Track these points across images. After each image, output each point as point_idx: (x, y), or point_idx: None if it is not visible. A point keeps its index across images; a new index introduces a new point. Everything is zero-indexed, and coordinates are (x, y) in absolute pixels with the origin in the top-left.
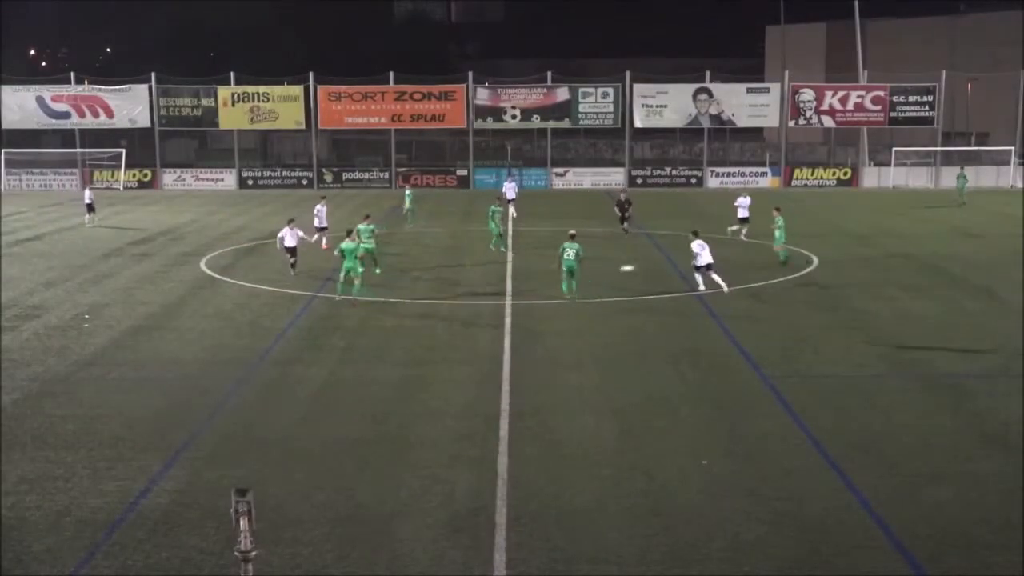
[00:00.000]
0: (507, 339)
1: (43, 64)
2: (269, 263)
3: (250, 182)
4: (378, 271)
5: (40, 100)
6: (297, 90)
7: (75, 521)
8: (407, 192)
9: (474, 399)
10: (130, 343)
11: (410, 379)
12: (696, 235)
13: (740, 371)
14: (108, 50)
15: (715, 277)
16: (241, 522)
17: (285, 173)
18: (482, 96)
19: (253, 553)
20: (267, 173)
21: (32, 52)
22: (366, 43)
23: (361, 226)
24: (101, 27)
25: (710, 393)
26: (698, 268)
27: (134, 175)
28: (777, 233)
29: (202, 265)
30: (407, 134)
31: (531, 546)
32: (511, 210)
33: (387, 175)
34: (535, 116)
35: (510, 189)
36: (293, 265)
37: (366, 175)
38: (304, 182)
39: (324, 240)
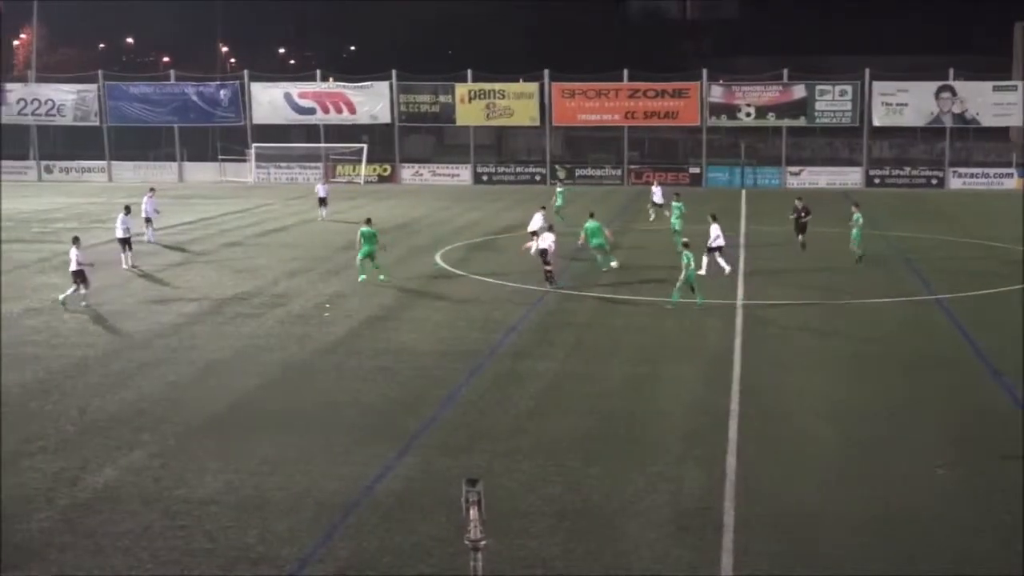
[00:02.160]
0: (737, 339)
1: (291, 62)
2: (502, 258)
3: (485, 177)
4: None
5: (288, 96)
6: (532, 87)
7: (314, 503)
8: (559, 190)
9: (703, 398)
10: (367, 333)
11: (639, 376)
12: (715, 219)
13: (977, 378)
14: (352, 48)
15: (720, 260)
16: (471, 511)
17: (519, 169)
18: (716, 94)
19: (482, 542)
20: (501, 169)
21: (281, 51)
22: (601, 41)
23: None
24: (346, 26)
25: (944, 399)
26: (710, 250)
27: (374, 169)
28: (854, 232)
29: (437, 258)
30: (640, 131)
31: (758, 549)
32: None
33: (619, 172)
34: (770, 114)
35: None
36: (549, 275)
37: (599, 172)
38: (537, 178)
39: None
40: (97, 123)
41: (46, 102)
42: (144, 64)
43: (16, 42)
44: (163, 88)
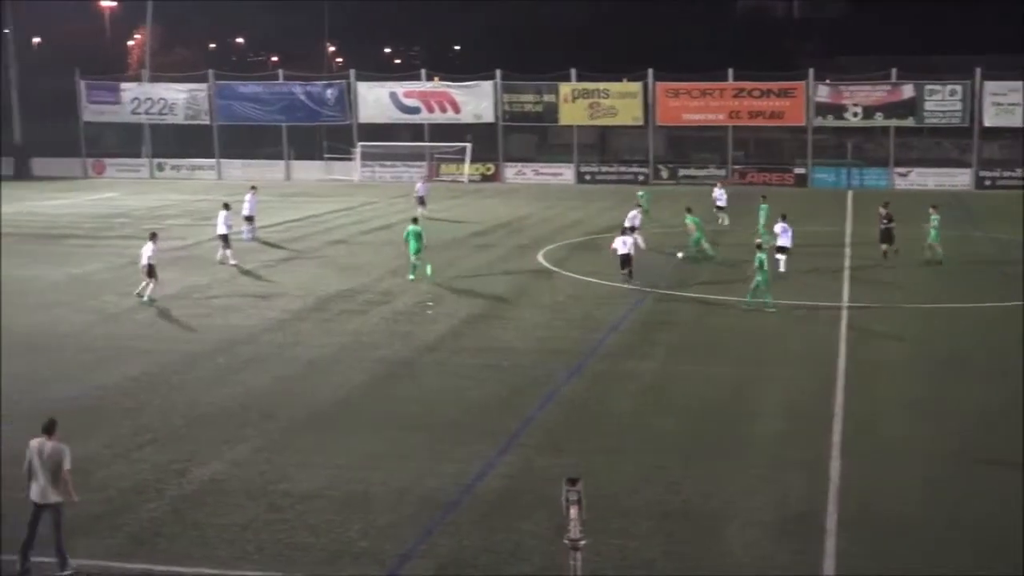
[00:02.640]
0: (842, 342)
1: (396, 61)
2: (604, 258)
3: (587, 177)
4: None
5: (393, 96)
6: (636, 87)
7: (415, 499)
8: (640, 194)
9: (806, 401)
10: (469, 331)
11: (741, 378)
12: (784, 218)
13: None
14: (457, 48)
15: (780, 258)
16: (571, 511)
17: (622, 169)
18: (823, 93)
19: (582, 542)
20: (604, 168)
21: (387, 50)
22: (706, 40)
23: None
24: (451, 26)
25: None
26: (779, 249)
27: (478, 169)
28: (932, 233)
29: (539, 257)
30: (744, 131)
31: (861, 554)
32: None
33: (723, 172)
34: (878, 114)
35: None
36: (629, 274)
37: (702, 172)
38: (640, 178)
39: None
40: (207, 122)
41: (159, 101)
42: (253, 64)
43: (131, 42)
44: (271, 87)
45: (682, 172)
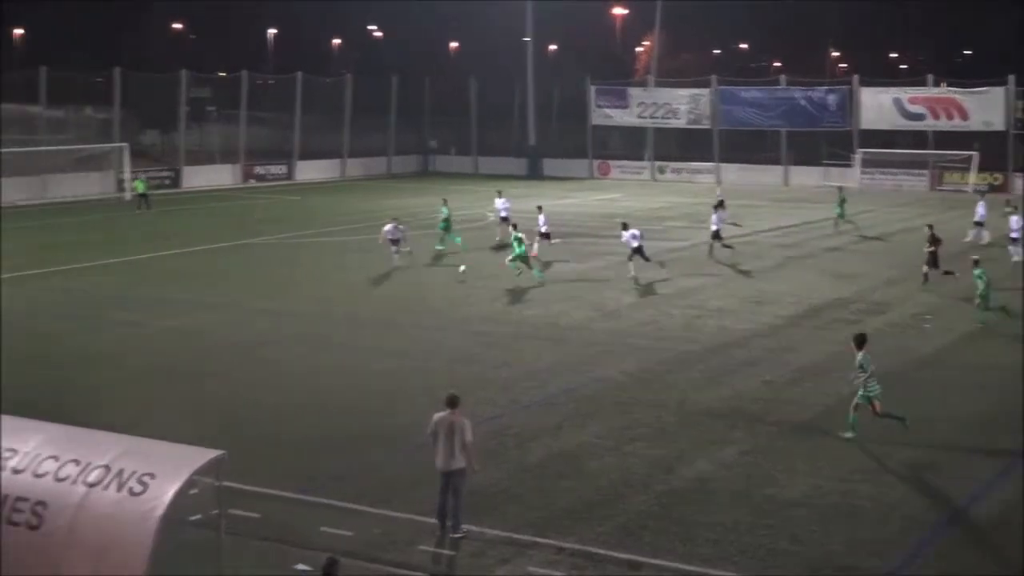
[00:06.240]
0: None
1: (902, 67)
2: None
3: None
4: None
5: (897, 102)
6: None
7: (902, 517)
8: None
9: None
10: (966, 347)
11: None
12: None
13: None
14: (967, 52)
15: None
16: None
17: None
18: None
19: None
20: None
21: (892, 55)
22: None
23: None
24: (962, 29)
25: None
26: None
27: (984, 178)
28: None
29: None
30: None
31: None
32: None
33: None
34: None
35: None
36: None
37: None
38: None
39: None
40: (708, 126)
41: (663, 106)
42: (756, 69)
43: (639, 48)
44: (773, 93)
45: None
